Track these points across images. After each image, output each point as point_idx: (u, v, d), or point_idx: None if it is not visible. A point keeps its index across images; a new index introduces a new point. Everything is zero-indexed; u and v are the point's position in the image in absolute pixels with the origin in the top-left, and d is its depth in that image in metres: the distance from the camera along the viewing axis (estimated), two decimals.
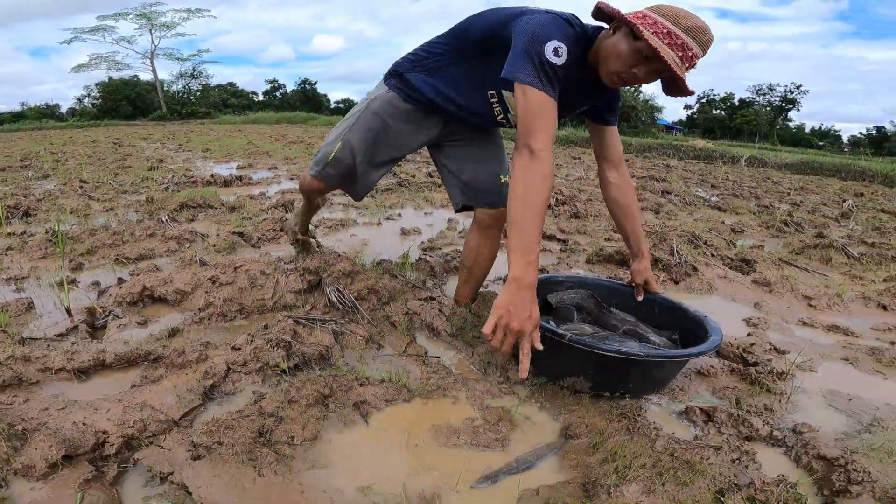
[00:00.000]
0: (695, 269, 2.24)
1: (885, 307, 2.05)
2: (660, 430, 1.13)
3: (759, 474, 1.02)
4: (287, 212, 3.30)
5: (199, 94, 43.00)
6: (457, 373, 1.38)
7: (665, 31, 1.15)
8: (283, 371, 1.31)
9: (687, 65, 1.18)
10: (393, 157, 1.63)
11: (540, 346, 1.09)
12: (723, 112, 53.44)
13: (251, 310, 1.68)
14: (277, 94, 51.79)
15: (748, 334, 1.73)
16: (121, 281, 1.90)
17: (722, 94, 55.33)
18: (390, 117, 1.52)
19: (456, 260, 2.32)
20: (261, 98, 53.11)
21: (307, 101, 45.58)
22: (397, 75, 1.51)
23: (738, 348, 1.55)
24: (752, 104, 53.21)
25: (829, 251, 2.72)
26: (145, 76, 40.41)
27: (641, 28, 1.14)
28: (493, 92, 1.39)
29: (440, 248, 2.55)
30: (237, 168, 5.64)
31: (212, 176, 4.59)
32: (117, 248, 2.34)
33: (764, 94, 54.82)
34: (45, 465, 0.91)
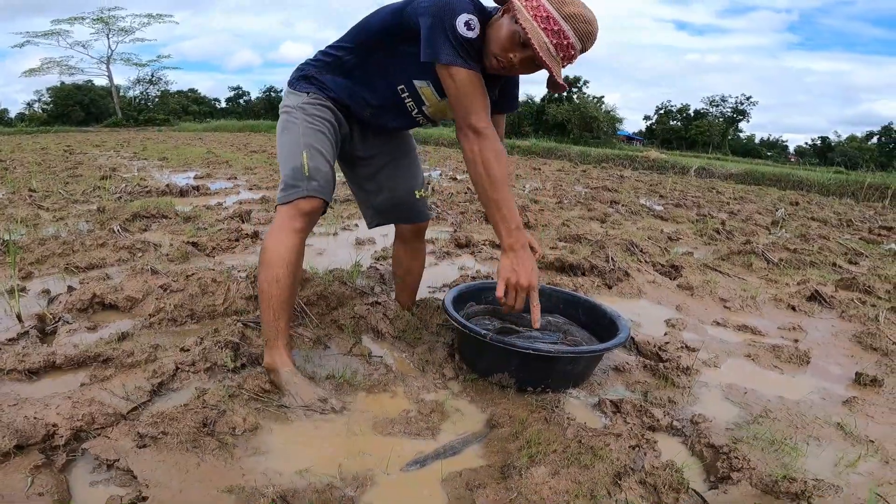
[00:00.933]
0: (627, 274, 2.42)
1: (794, 308, 2.27)
2: (573, 420, 1.27)
3: (652, 460, 1.15)
4: (243, 222, 3.34)
5: (157, 100, 41.90)
6: (397, 370, 1.49)
7: (544, 15, 1.12)
8: (230, 370, 1.39)
9: (563, 55, 1.15)
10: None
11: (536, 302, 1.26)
12: (679, 123, 55.58)
13: (202, 315, 1.75)
14: (241, 101, 51.00)
15: (665, 334, 1.90)
16: (70, 289, 1.93)
17: (679, 105, 57.57)
18: (326, 113, 1.42)
19: None
20: (223, 105, 52.15)
21: (272, 108, 45.01)
22: (307, 79, 1.43)
23: (654, 346, 1.72)
24: (706, 115, 55.50)
25: (750, 257, 2.96)
26: (100, 81, 39.22)
27: (519, 9, 1.11)
28: (402, 86, 1.34)
29: (390, 258, 2.65)
30: (195, 178, 5.61)
31: (167, 186, 4.57)
32: (67, 258, 2.35)
33: (717, 106, 57.26)
34: None
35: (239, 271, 2.16)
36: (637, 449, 1.19)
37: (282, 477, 1.02)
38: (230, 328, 1.56)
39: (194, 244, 2.62)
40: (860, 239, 4.43)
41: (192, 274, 2.02)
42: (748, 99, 57.34)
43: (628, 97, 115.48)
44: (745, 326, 2.02)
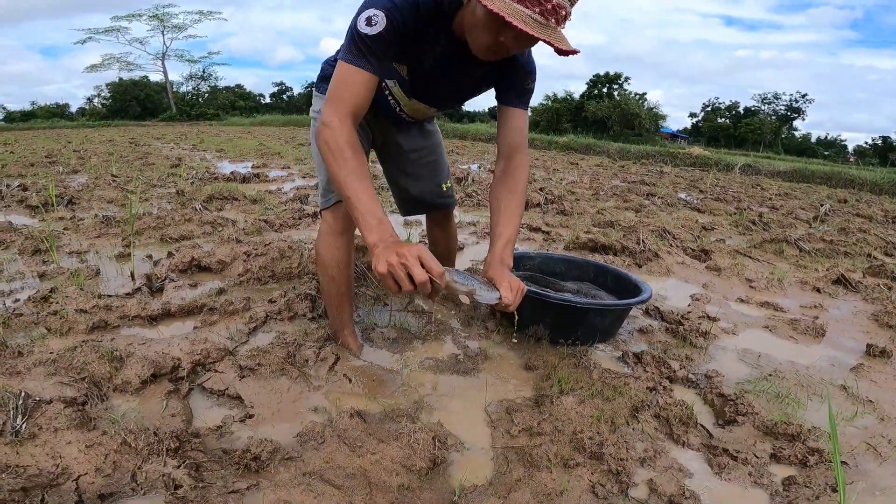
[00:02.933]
0: (657, 255, 2.59)
1: (818, 290, 2.39)
2: (598, 366, 1.48)
3: (667, 399, 1.35)
4: (303, 204, 3.66)
5: (207, 95, 43.69)
6: (446, 323, 1.74)
7: None
8: (309, 319, 1.67)
9: (554, 18, 1.01)
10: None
11: (439, 269, 1.01)
12: (727, 121, 53.68)
13: (281, 276, 2.04)
14: (284, 96, 52.45)
15: (688, 306, 2.07)
16: (170, 254, 2.26)
17: (727, 103, 55.51)
18: None
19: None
20: (268, 100, 53.76)
21: (292, 108, 46.14)
22: (328, 79, 1.36)
23: (677, 315, 1.90)
24: (756, 113, 53.33)
25: (782, 245, 3.06)
26: (155, 77, 41.16)
27: None
28: (383, 84, 1.35)
29: None
30: (252, 167, 6.02)
31: (231, 173, 4.98)
32: (161, 230, 2.72)
33: (769, 103, 54.92)
34: (139, 381, 1.25)
35: (306, 243, 2.45)
36: (653, 391, 1.40)
37: (355, 399, 1.28)
38: (307, 285, 1.85)
39: (265, 221, 2.95)
40: None
41: (269, 243, 2.33)
42: (804, 96, 54.68)
43: (672, 94, 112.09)
44: (767, 303, 2.17)
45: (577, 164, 9.44)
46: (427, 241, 1.95)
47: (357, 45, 1.11)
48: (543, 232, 3.10)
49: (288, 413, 1.20)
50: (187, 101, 40.45)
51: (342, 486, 0.90)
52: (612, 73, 35.92)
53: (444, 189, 1.74)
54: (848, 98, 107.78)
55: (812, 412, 1.39)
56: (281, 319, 1.67)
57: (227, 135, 14.44)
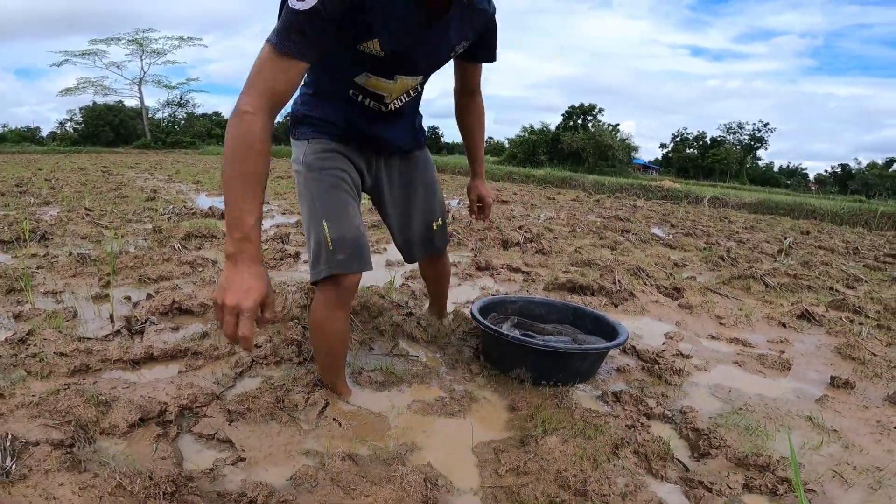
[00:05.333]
0: (632, 294, 2.69)
1: (784, 325, 2.51)
2: (580, 405, 1.54)
3: (645, 436, 1.41)
4: (283, 243, 3.68)
5: (183, 122, 43.44)
6: (432, 367, 1.77)
7: None
8: (296, 363, 1.69)
9: None
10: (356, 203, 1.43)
11: (270, 316, 1.01)
12: (695, 151, 55.69)
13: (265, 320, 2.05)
14: None
15: (662, 344, 2.15)
16: (150, 296, 2.25)
17: (695, 133, 57.73)
18: (335, 160, 1.36)
19: None
20: None
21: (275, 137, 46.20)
22: (302, 121, 1.38)
23: (652, 353, 1.98)
24: (722, 143, 55.52)
25: (749, 281, 3.20)
26: (130, 102, 40.85)
27: None
28: (351, 91, 1.29)
29: (419, 277, 2.95)
30: None
31: (210, 208, 4.96)
32: (139, 270, 2.70)
33: (734, 133, 57.32)
34: (126, 424, 1.25)
35: (289, 285, 2.47)
36: (632, 428, 1.45)
37: (347, 442, 1.30)
38: (293, 329, 1.87)
39: None
40: (864, 266, 4.62)
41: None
42: (766, 125, 57.25)
43: (644, 125, 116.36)
44: (736, 339, 2.26)
45: (554, 198, 9.67)
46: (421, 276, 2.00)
47: (287, 25, 0.99)
48: (523, 272, 3.18)
49: (280, 456, 1.21)
50: (163, 128, 40.16)
51: None
52: (586, 104, 37.14)
53: (435, 228, 1.68)
54: (809, 126, 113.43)
55: (780, 443, 1.46)
56: (267, 364, 1.68)
57: (203, 165, 14.37)
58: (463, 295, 2.66)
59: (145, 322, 1.98)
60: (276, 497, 1.01)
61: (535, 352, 1.61)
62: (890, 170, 54.90)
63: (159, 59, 38.07)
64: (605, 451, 1.31)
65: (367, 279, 2.74)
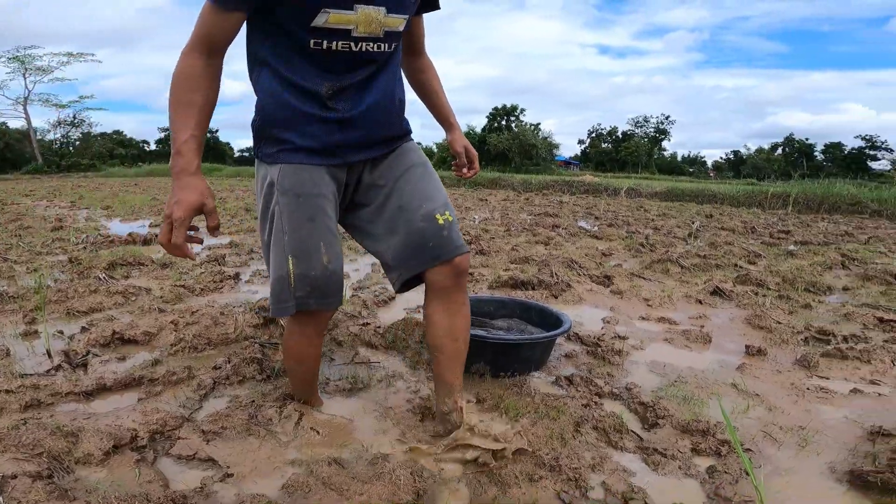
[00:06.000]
0: (569, 286, 2.88)
1: (700, 301, 2.80)
2: (539, 391, 1.67)
3: (601, 413, 1.56)
4: (220, 266, 3.57)
5: (78, 143, 40.02)
6: (394, 371, 1.84)
7: None
8: (259, 381, 1.69)
9: None
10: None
11: (214, 223, 1.12)
12: (609, 145, 59.21)
13: (218, 342, 2.02)
14: None
15: (602, 328, 2.35)
16: (85, 329, 2.14)
17: (608, 128, 61.36)
18: (309, 184, 1.20)
19: (385, 294, 2.77)
20: (154, 147, 50.53)
21: (208, 150, 44.03)
22: (265, 138, 1.23)
23: (594, 338, 2.15)
24: (632, 136, 59.40)
25: (667, 264, 3.53)
26: (15, 123, 37.11)
27: None
28: (314, 40, 1.12)
29: (368, 287, 2.98)
30: (150, 226, 5.69)
31: (129, 235, 4.69)
32: (65, 304, 2.53)
33: (641, 126, 61.50)
34: (101, 453, 1.23)
35: (236, 307, 2.43)
36: (588, 406, 1.60)
37: (329, 448, 1.34)
38: (250, 348, 1.86)
39: (183, 286, 2.85)
40: (762, 243, 5.18)
41: (197, 310, 2.29)
42: (667, 118, 61.89)
43: (564, 122, 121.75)
44: (663, 318, 2.51)
45: (487, 199, 9.96)
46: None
47: None
48: (469, 274, 3.30)
49: (266, 469, 1.23)
50: (56, 151, 36.70)
51: None
52: (509, 105, 38.31)
53: (442, 222, 1.24)
54: (703, 117, 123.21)
55: (714, 409, 1.64)
56: (230, 384, 1.67)
57: (110, 188, 13.39)
58: (414, 300, 2.74)
59: (87, 355, 1.89)
60: None
61: (491, 346, 1.72)
62: (775, 153, 61.06)
63: (45, 76, 34.89)
64: (569, 430, 1.44)
65: None
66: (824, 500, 1.20)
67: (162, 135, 50.10)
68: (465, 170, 1.59)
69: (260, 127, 1.23)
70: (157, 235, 4.29)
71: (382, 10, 1.15)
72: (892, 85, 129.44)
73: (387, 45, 1.20)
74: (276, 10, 1.09)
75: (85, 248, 4.20)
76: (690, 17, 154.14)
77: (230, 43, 1.15)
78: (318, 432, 1.39)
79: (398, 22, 1.19)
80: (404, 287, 1.33)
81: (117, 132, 47.26)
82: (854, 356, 2.00)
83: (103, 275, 3.06)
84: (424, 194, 1.27)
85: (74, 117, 39.90)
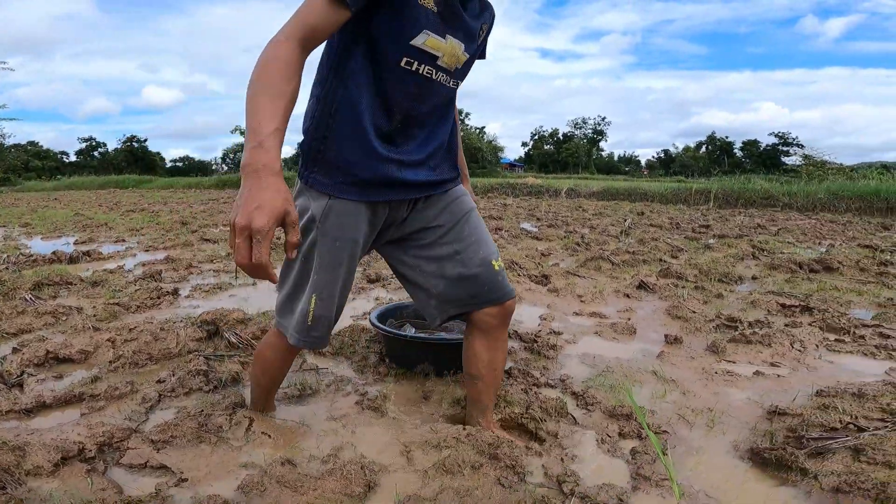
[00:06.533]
0: None
1: (627, 295, 3.03)
2: None
3: (541, 399, 1.67)
4: (157, 281, 3.48)
5: None
6: (342, 375, 1.90)
7: None
8: (206, 392, 1.71)
9: None
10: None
11: (294, 240, 0.90)
12: (552, 147, 61.12)
13: (159, 357, 2.01)
14: (95, 153, 46.68)
15: (538, 325, 2.51)
16: (16, 350, 2.06)
17: (550, 130, 63.34)
18: (352, 229, 1.20)
19: None
20: (73, 159, 47.35)
21: (136, 160, 41.70)
22: (318, 161, 1.18)
23: (531, 334, 2.30)
24: (572, 138, 61.63)
25: (600, 262, 3.77)
26: None
27: None
28: (405, 58, 1.12)
29: None
30: (76, 243, 5.41)
31: (54, 253, 4.44)
32: None
33: (580, 128, 63.97)
34: (50, 465, 1.22)
35: (177, 322, 2.40)
36: (527, 392, 1.72)
37: (281, 450, 1.39)
38: (195, 361, 1.86)
39: (118, 304, 2.77)
40: (685, 238, 5.59)
41: (135, 327, 2.25)
42: (604, 119, 64.70)
43: (508, 125, 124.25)
44: (594, 313, 2.70)
45: None
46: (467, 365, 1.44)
47: None
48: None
49: (220, 472, 1.27)
50: None
51: None
52: None
53: (497, 269, 1.31)
54: (636, 118, 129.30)
55: (637, 395, 1.81)
56: (176, 396, 1.68)
57: (27, 204, 12.51)
58: (359, 308, 2.80)
59: (21, 374, 1.84)
60: None
61: (434, 346, 1.82)
62: (700, 151, 65.02)
63: None
64: (519, 412, 1.55)
65: (261, 306, 2.75)
66: (729, 477, 1.32)
67: (83, 145, 47.05)
68: None
69: (318, 150, 1.18)
70: (85, 254, 4.12)
71: (462, 46, 1.19)
72: (802, 84, 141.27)
73: (454, 81, 1.24)
74: (376, 20, 1.08)
75: (7, 268, 3.95)
76: (621, 20, 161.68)
77: (322, 43, 1.07)
78: (269, 436, 1.44)
79: (466, 59, 1.23)
80: (447, 321, 1.37)
81: (32, 143, 44.02)
82: (757, 340, 2.24)
83: (29, 295, 2.92)
84: (482, 240, 1.33)
85: None
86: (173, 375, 1.77)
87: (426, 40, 1.12)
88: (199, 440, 1.40)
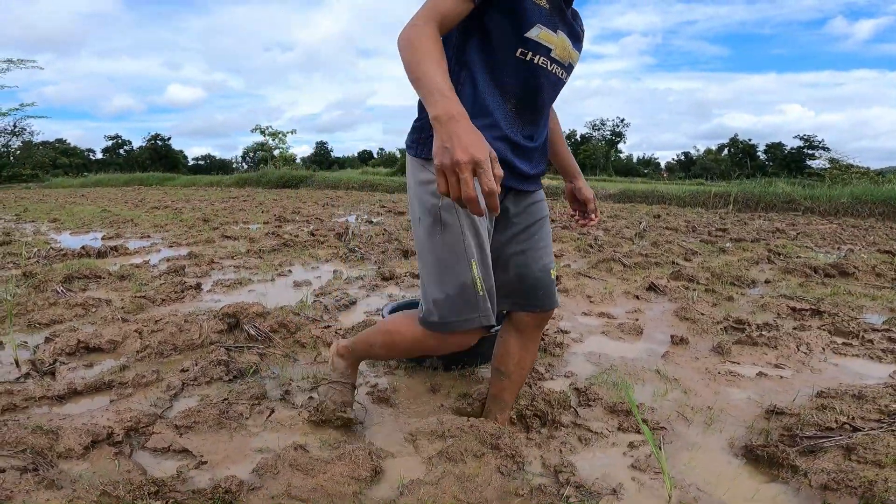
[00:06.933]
0: None
1: (637, 297, 3.06)
2: (485, 379, 1.84)
3: (545, 393, 1.74)
4: (180, 276, 3.61)
5: (19, 152, 38.03)
6: None
7: None
8: (226, 381, 1.81)
9: None
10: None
11: (500, 172, 0.86)
12: (570, 148, 60.80)
13: (183, 348, 2.11)
14: (122, 151, 47.81)
15: (547, 324, 2.56)
16: (49, 339, 2.19)
17: (567, 132, 63.07)
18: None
19: (345, 299, 2.91)
20: (99, 156, 48.58)
21: (160, 158, 42.59)
22: (425, 141, 1.20)
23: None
24: (590, 139, 61.20)
25: (611, 263, 3.80)
26: None
27: None
28: (520, 49, 1.17)
29: (330, 293, 3.11)
30: (103, 239, 5.61)
31: (83, 248, 4.62)
32: (25, 317, 2.56)
33: (598, 129, 63.50)
34: (81, 448, 1.33)
35: (200, 315, 2.51)
36: (531, 386, 1.79)
37: (296, 437, 1.48)
38: (216, 352, 1.97)
39: (144, 297, 2.90)
40: (700, 241, 5.56)
41: (161, 319, 2.37)
42: (622, 121, 64.14)
43: None
44: (602, 313, 2.74)
45: None
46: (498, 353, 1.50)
47: None
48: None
49: (237, 456, 1.36)
50: None
51: (308, 499, 1.12)
52: None
53: (553, 277, 1.39)
54: (655, 120, 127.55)
55: (639, 393, 1.86)
56: (198, 385, 1.78)
57: (55, 200, 12.90)
58: (373, 304, 2.88)
59: (54, 363, 1.96)
60: (246, 486, 1.17)
61: None
62: (722, 154, 63.97)
63: None
64: (526, 403, 1.61)
65: (277, 301, 2.85)
66: (721, 473, 1.37)
67: (109, 143, 48.18)
68: (592, 216, 1.59)
69: (422, 135, 1.20)
70: (112, 249, 4.28)
71: (570, 42, 1.25)
72: (829, 86, 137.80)
73: (566, 74, 1.28)
74: (490, 13, 1.14)
75: (38, 262, 4.14)
76: (642, 21, 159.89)
77: (448, 31, 1.11)
78: (285, 426, 1.53)
79: (577, 57, 1.29)
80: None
81: (60, 140, 45.24)
82: (763, 342, 2.27)
83: (61, 288, 3.07)
84: (547, 248, 1.38)
85: (15, 126, 37.92)
86: (196, 365, 1.87)
87: (540, 33, 1.17)
88: (220, 426, 1.50)
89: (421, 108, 1.22)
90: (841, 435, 1.40)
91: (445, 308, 1.18)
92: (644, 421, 1.41)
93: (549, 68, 1.22)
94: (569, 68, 1.28)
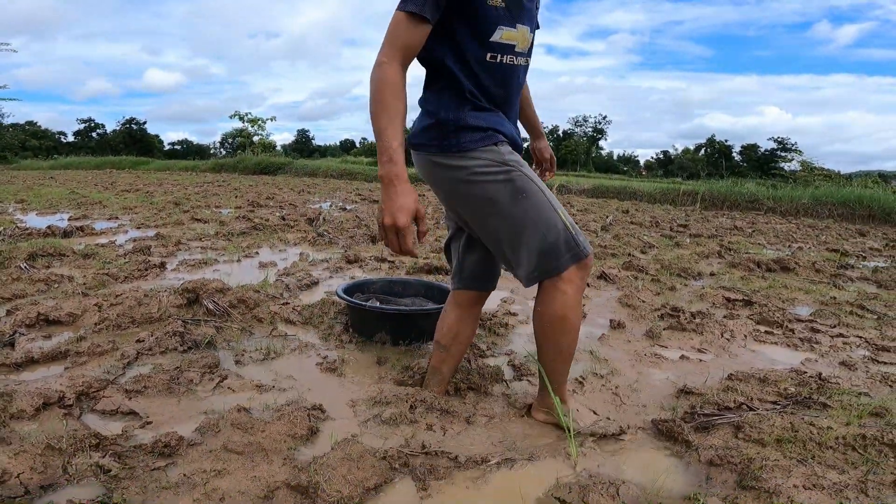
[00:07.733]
0: None
1: (588, 285, 3.22)
2: (430, 352, 1.96)
3: (480, 367, 1.87)
4: (146, 255, 3.65)
5: None
6: (308, 341, 2.09)
7: None
8: (181, 352, 1.89)
9: None
10: None
11: (425, 229, 1.18)
12: (551, 144, 61.28)
13: (141, 321, 2.19)
14: (94, 134, 46.49)
15: (497, 307, 2.70)
16: (10, 312, 2.24)
17: (550, 127, 63.39)
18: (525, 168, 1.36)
19: (308, 279, 3.00)
20: (71, 139, 47.18)
21: (134, 142, 41.58)
22: (457, 128, 1.31)
23: (488, 314, 2.49)
24: (572, 135, 61.72)
25: None
26: None
27: None
28: (490, 53, 1.29)
29: (293, 274, 3.19)
30: (69, 220, 5.56)
31: (48, 227, 4.60)
32: None
33: (580, 125, 64.05)
34: (32, 409, 1.40)
35: (161, 291, 2.58)
36: (470, 362, 1.91)
37: (241, 401, 1.58)
38: (174, 324, 2.05)
39: (107, 274, 2.95)
40: (661, 235, 5.78)
41: (121, 294, 2.43)
42: (605, 118, 64.77)
43: None
44: None
45: (424, 195, 10.22)
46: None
47: None
48: (389, 261, 3.59)
49: (182, 417, 1.46)
50: None
51: (244, 452, 1.23)
52: None
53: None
54: (637, 118, 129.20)
55: (571, 371, 1.98)
56: (153, 354, 1.86)
57: (23, 182, 12.61)
58: (335, 285, 2.98)
59: (14, 334, 2.02)
60: (186, 441, 1.27)
61: (390, 316, 2.01)
62: (699, 154, 65.18)
63: None
64: (465, 376, 1.74)
65: (241, 280, 2.93)
66: (625, 445, 1.45)
67: (81, 126, 46.82)
68: (548, 173, 1.84)
69: (452, 122, 1.30)
70: (78, 229, 4.28)
71: (528, 28, 1.36)
72: (807, 89, 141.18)
73: (527, 60, 1.42)
74: (454, 22, 1.25)
75: (3, 240, 4.12)
76: (629, 19, 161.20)
77: (416, 54, 1.24)
78: (233, 391, 1.63)
79: (533, 37, 1.41)
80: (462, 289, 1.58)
81: (30, 123, 43.84)
82: (692, 329, 2.44)
83: (24, 265, 3.10)
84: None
85: None
86: (152, 335, 1.95)
87: (502, 35, 1.30)
88: (169, 391, 1.59)
89: (429, 108, 1.34)
90: (733, 414, 1.54)
91: (565, 244, 1.30)
92: (558, 398, 1.53)
93: (516, 62, 1.35)
94: (529, 52, 1.41)
